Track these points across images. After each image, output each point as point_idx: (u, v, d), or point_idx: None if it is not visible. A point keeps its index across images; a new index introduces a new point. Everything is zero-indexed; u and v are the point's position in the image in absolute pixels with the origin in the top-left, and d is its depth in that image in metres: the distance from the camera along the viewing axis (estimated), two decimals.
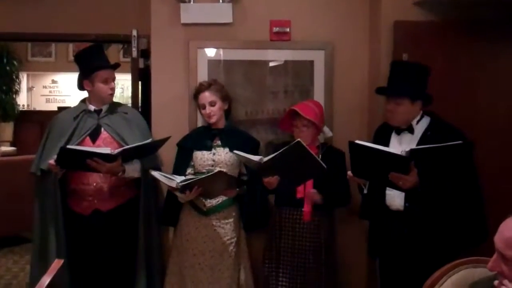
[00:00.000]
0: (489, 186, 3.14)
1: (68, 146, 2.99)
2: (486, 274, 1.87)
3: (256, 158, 2.90)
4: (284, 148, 2.80)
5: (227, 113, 3.36)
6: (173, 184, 2.98)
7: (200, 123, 3.51)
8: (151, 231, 3.24)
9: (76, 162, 2.98)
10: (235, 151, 3.04)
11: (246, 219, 3.27)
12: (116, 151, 2.95)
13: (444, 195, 2.67)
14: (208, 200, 3.19)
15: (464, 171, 2.67)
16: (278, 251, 3.21)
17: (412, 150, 2.53)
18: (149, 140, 3.12)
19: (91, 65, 3.22)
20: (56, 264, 1.96)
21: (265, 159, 2.86)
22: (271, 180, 2.96)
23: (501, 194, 3.18)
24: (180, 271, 3.25)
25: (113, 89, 3.26)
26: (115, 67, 3.30)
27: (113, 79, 3.26)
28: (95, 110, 3.27)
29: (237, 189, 3.20)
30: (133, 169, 3.13)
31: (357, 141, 2.64)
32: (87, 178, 3.14)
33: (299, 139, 2.82)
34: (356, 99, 3.64)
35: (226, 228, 3.21)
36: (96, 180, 3.14)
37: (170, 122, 3.53)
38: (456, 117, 3.07)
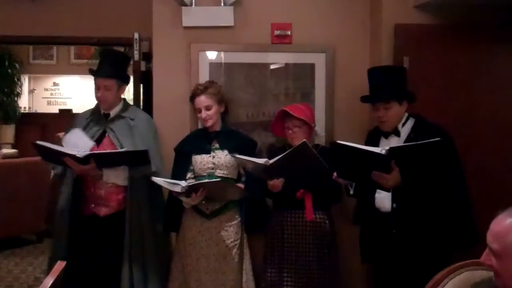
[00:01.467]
0: (488, 187, 3.16)
1: (38, 142, 3.03)
2: (487, 276, 1.89)
3: (261, 160, 2.91)
4: (290, 150, 2.82)
5: (224, 115, 3.36)
6: (178, 189, 2.98)
7: (201, 126, 3.52)
8: (143, 239, 3.18)
9: (54, 158, 3.06)
10: (237, 155, 3.03)
11: (246, 219, 3.28)
12: (83, 154, 2.95)
13: (429, 194, 2.70)
14: (211, 204, 3.18)
15: (449, 173, 2.69)
16: (281, 254, 3.20)
17: (391, 149, 2.56)
18: (123, 149, 3.08)
19: (91, 72, 3.30)
20: (59, 265, 1.97)
21: (271, 161, 2.86)
22: (276, 183, 2.97)
23: (500, 195, 3.19)
24: (183, 276, 3.24)
25: (100, 97, 3.22)
26: (107, 75, 3.22)
27: (106, 87, 3.20)
28: (104, 114, 3.29)
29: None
30: (115, 176, 3.11)
31: (338, 141, 2.69)
32: (87, 181, 3.17)
33: (304, 140, 2.84)
34: (357, 102, 3.60)
35: (229, 230, 3.21)
36: (94, 185, 3.16)
37: (172, 124, 3.54)
38: (456, 119, 3.09)
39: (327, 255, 3.18)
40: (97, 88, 3.23)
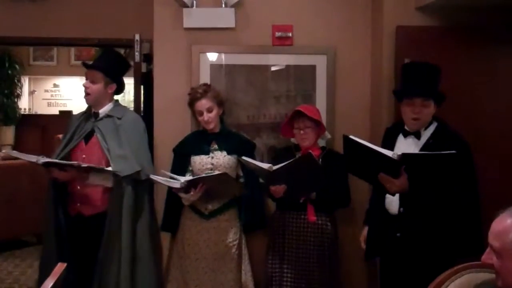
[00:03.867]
0: (490, 189, 3.15)
1: (9, 151, 3.05)
2: (489, 278, 1.89)
3: (265, 166, 2.92)
4: (295, 158, 2.86)
5: (222, 116, 3.35)
6: (177, 185, 2.98)
7: (201, 127, 3.51)
8: (119, 244, 3.12)
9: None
10: (243, 158, 3.04)
11: (244, 220, 3.28)
12: (41, 161, 2.99)
13: (437, 202, 2.65)
14: (210, 204, 3.20)
15: (462, 179, 2.64)
16: (282, 254, 3.21)
17: (403, 155, 2.51)
18: (75, 162, 3.04)
19: (83, 64, 3.32)
20: (59, 267, 1.96)
21: (275, 167, 2.87)
22: (278, 189, 2.98)
23: (502, 198, 3.18)
24: (182, 276, 3.25)
25: (86, 88, 3.21)
26: (94, 67, 3.23)
27: (92, 80, 3.20)
28: (93, 113, 3.29)
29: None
30: (103, 178, 3.09)
31: (351, 136, 2.62)
32: (74, 181, 3.16)
33: (310, 151, 2.86)
34: (358, 103, 3.64)
35: (227, 231, 3.22)
36: (80, 184, 3.15)
37: (172, 126, 3.53)
38: (458, 122, 3.07)
39: (328, 256, 3.19)
40: (86, 80, 3.24)
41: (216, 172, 3.11)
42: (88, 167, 3.04)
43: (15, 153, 3.07)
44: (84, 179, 3.08)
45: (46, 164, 3.01)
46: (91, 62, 3.35)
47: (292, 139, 3.30)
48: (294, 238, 3.19)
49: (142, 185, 3.16)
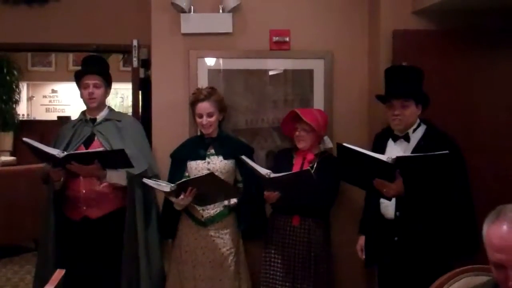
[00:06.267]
0: (488, 191, 3.16)
1: (25, 139, 3.01)
2: (487, 280, 1.89)
3: (263, 171, 2.93)
4: (295, 172, 2.89)
5: (221, 121, 3.35)
6: (167, 189, 2.98)
7: (199, 132, 3.51)
8: (137, 240, 3.18)
9: (46, 157, 3.03)
10: (243, 157, 3.05)
11: (243, 226, 3.28)
12: (62, 154, 2.94)
13: (432, 204, 2.67)
14: (206, 211, 3.19)
15: (454, 180, 2.66)
16: (270, 258, 3.24)
17: (398, 158, 2.54)
18: (101, 149, 3.09)
19: (76, 74, 3.30)
20: (58, 274, 1.96)
21: (273, 175, 2.88)
22: (271, 196, 3.00)
23: (500, 199, 3.19)
24: (180, 283, 3.24)
25: (91, 94, 3.22)
26: (95, 72, 3.24)
27: (95, 84, 3.22)
28: (90, 119, 3.30)
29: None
30: (118, 176, 3.11)
31: (345, 144, 2.66)
32: (76, 185, 3.16)
33: (309, 168, 2.88)
34: (356, 107, 3.65)
35: (225, 238, 3.21)
36: (84, 188, 3.15)
37: (171, 131, 3.53)
38: (455, 125, 3.09)
39: (314, 261, 3.16)
40: (85, 87, 3.23)
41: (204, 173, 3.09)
42: (109, 151, 3.02)
43: (34, 143, 2.97)
44: (103, 176, 3.08)
45: (66, 158, 2.94)
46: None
47: None
48: (280, 241, 3.21)
49: (146, 186, 3.18)
